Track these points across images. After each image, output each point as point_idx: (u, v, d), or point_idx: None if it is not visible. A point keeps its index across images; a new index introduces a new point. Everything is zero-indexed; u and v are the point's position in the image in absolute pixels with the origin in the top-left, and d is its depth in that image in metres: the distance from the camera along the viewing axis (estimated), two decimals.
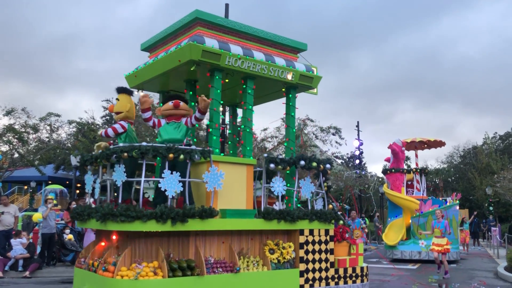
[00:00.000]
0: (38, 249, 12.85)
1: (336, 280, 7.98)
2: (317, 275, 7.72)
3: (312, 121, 20.02)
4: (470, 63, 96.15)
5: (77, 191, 23.05)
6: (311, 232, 7.77)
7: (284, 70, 7.86)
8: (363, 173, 27.89)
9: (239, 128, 15.44)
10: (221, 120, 16.52)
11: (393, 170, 16.53)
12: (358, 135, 29.08)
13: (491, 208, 33.50)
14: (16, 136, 23.67)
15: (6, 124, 22.10)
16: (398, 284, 11.49)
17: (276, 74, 7.79)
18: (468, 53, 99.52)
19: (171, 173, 6.38)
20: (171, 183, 6.35)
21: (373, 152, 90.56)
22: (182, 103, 7.11)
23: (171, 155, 6.40)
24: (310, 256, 7.69)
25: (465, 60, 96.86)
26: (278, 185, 7.51)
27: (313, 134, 20.18)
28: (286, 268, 7.43)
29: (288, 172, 8.11)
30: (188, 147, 6.64)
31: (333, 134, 20.05)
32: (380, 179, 17.86)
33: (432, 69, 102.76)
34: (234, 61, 7.27)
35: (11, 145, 23.50)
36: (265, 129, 19.68)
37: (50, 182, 29.24)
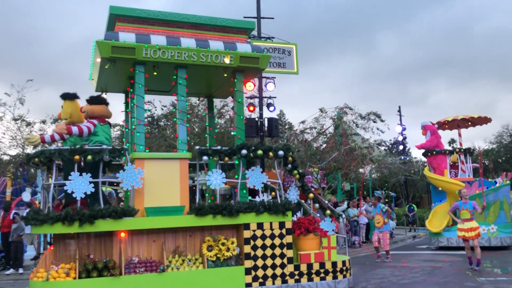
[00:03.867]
0: None
1: (296, 277, 7.22)
2: (269, 272, 7.07)
3: (351, 109, 18.67)
4: (504, 35, 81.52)
5: None
6: (260, 225, 7.13)
7: (219, 55, 7.32)
8: (407, 159, 25.23)
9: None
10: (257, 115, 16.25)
11: (434, 152, 14.54)
12: (400, 120, 26.64)
13: None
14: None
15: None
16: (451, 270, 10.10)
17: (210, 60, 7.28)
18: (501, 24, 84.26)
19: (80, 175, 6.37)
20: (79, 184, 6.33)
21: (410, 136, 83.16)
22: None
23: (76, 157, 6.38)
24: (259, 252, 7.07)
25: (498, 32, 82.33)
26: (216, 178, 7.04)
27: (353, 122, 18.83)
28: (229, 265, 6.94)
29: (236, 162, 7.57)
30: (97, 147, 6.56)
31: (374, 121, 18.49)
32: (426, 164, 15.95)
33: (462, 45, 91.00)
34: (153, 53, 6.96)
35: None
36: (303, 121, 18.88)
37: None
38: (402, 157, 24.42)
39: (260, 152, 7.29)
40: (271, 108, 17.22)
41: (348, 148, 18.78)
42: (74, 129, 7.06)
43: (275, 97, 17.52)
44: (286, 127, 21.93)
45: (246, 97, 18.27)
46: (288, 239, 7.28)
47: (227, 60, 7.34)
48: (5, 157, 17.99)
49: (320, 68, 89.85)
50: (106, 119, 7.57)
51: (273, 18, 18.57)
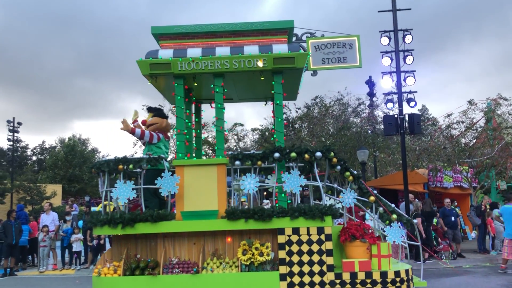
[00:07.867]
0: None
1: (338, 286, 6.72)
2: (306, 279, 6.75)
3: (506, 99, 15.82)
4: None
5: None
6: (296, 231, 6.87)
7: (251, 59, 7.33)
8: None
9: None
10: None
11: None
12: None
13: None
14: (211, 148, 26.53)
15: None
16: None
17: (243, 65, 7.34)
18: None
19: (125, 182, 7.13)
20: (123, 191, 7.08)
21: None
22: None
23: (120, 166, 7.15)
24: (295, 258, 6.81)
25: None
26: (249, 182, 7.06)
27: (509, 114, 15.92)
28: (265, 270, 6.86)
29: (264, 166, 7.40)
30: (137, 157, 7.24)
31: None
32: None
33: None
34: (188, 65, 7.36)
35: (207, 157, 26.29)
36: (449, 115, 16.73)
37: None
38: None
39: (293, 154, 7.03)
40: (412, 104, 16.25)
41: (504, 143, 16.29)
42: (146, 134, 7.94)
43: (416, 92, 16.43)
44: (429, 122, 20.05)
45: (383, 94, 17.43)
46: (328, 245, 6.83)
47: (260, 64, 7.30)
48: None
49: (451, 57, 78.25)
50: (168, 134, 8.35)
51: (410, 9, 17.35)
